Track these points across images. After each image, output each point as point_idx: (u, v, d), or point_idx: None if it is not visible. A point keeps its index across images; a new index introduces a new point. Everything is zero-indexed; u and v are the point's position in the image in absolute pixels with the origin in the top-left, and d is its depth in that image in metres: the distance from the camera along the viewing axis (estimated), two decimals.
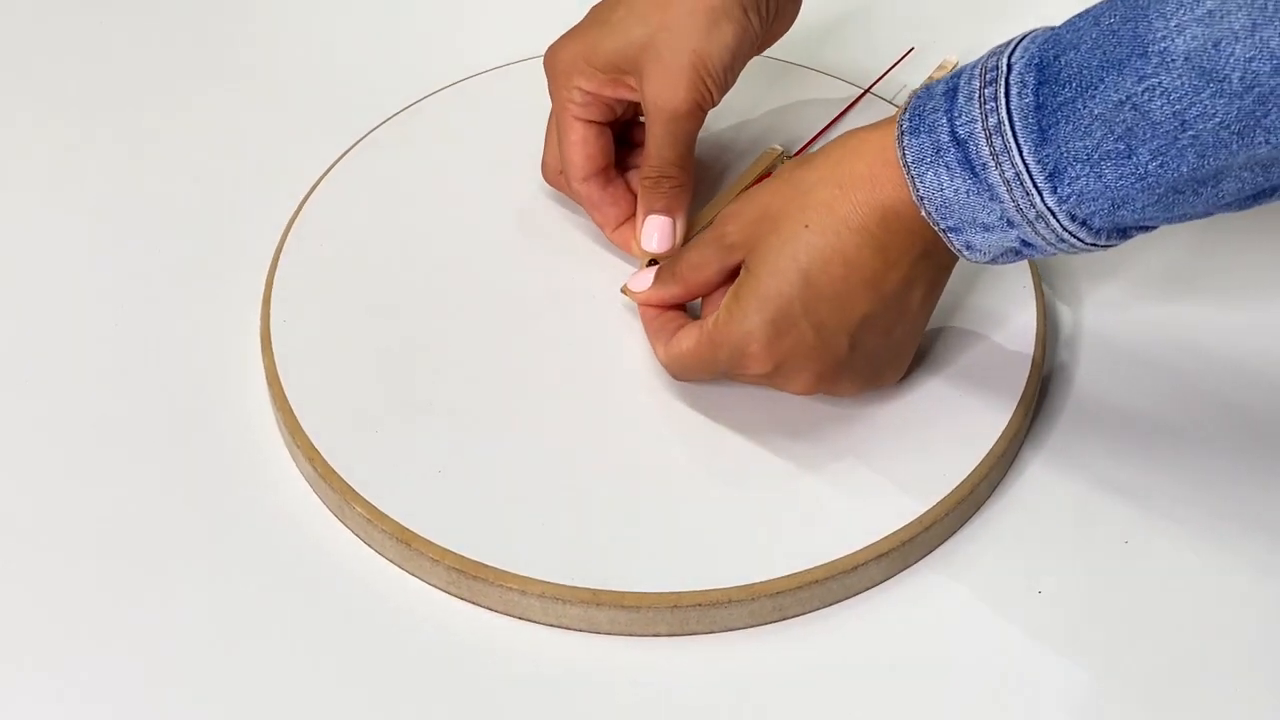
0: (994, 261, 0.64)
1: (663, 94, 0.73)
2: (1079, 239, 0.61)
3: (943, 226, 0.63)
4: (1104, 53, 0.57)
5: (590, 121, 0.76)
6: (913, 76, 0.87)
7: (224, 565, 0.70)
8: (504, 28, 0.94)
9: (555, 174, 0.79)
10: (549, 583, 0.66)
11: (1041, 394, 0.75)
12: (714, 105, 0.74)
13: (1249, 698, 0.65)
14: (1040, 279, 0.77)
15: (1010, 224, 0.62)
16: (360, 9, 0.98)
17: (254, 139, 0.89)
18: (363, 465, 0.70)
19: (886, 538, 0.68)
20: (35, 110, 0.91)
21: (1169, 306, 0.79)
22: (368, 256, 0.79)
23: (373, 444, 0.71)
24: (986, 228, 0.62)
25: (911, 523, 0.68)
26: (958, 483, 0.69)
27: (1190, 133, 0.56)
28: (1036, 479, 0.72)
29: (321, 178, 0.83)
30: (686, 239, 0.76)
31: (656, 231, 0.75)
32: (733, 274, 0.69)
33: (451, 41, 0.94)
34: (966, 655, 0.67)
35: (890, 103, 0.86)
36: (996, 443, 0.71)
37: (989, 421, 0.71)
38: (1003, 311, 0.76)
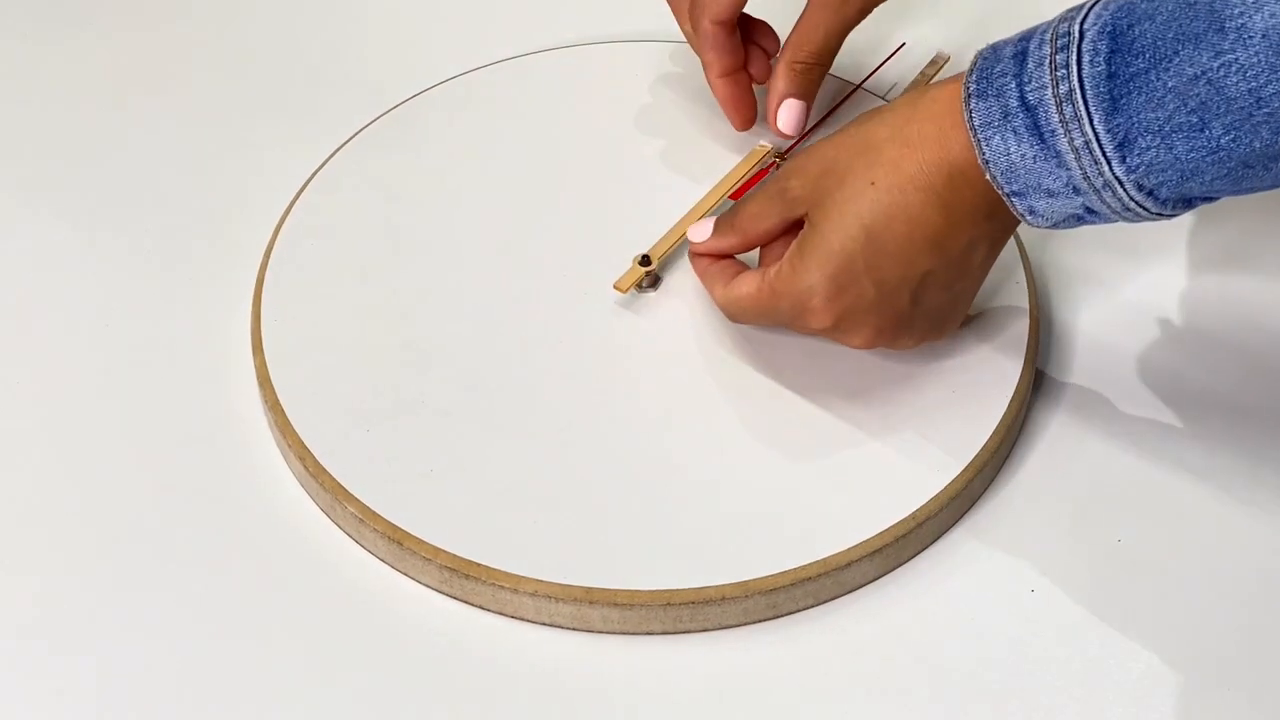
0: (1055, 227, 0.65)
1: None
2: (1145, 208, 0.62)
3: (1007, 191, 0.64)
4: (1180, 25, 0.57)
5: None
6: (905, 72, 0.87)
7: (214, 565, 0.69)
8: (494, 26, 0.94)
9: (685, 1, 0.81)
10: (541, 581, 0.66)
11: (1035, 391, 0.75)
12: (881, 2, 0.77)
13: (1243, 695, 0.65)
14: (1033, 277, 0.77)
15: (1076, 191, 0.62)
16: (348, 6, 0.97)
17: (243, 137, 0.88)
18: (354, 464, 0.70)
19: (880, 534, 0.67)
20: (22, 108, 0.91)
21: (1162, 305, 0.79)
22: (359, 255, 0.79)
23: (364, 443, 0.71)
24: (1051, 193, 0.63)
25: (905, 519, 0.68)
26: (951, 479, 0.69)
27: (1266, 110, 0.56)
28: (1030, 476, 0.72)
29: (312, 176, 0.82)
30: (673, 241, 0.77)
31: (793, 114, 0.79)
32: (792, 226, 0.70)
33: (441, 39, 0.94)
34: (959, 653, 0.66)
35: (881, 98, 0.86)
36: (989, 439, 0.70)
37: (982, 419, 0.71)
38: (996, 310, 0.76)
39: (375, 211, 0.81)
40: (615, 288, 0.76)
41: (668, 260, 0.77)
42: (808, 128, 0.82)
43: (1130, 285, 0.80)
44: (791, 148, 0.82)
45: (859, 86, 0.85)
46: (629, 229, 0.78)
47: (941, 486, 0.69)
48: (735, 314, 0.73)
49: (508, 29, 0.93)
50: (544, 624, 0.67)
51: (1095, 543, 0.70)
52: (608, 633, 0.67)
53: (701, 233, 0.74)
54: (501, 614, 0.67)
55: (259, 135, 0.88)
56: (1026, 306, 0.76)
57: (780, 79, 0.79)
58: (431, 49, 0.93)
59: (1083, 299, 0.79)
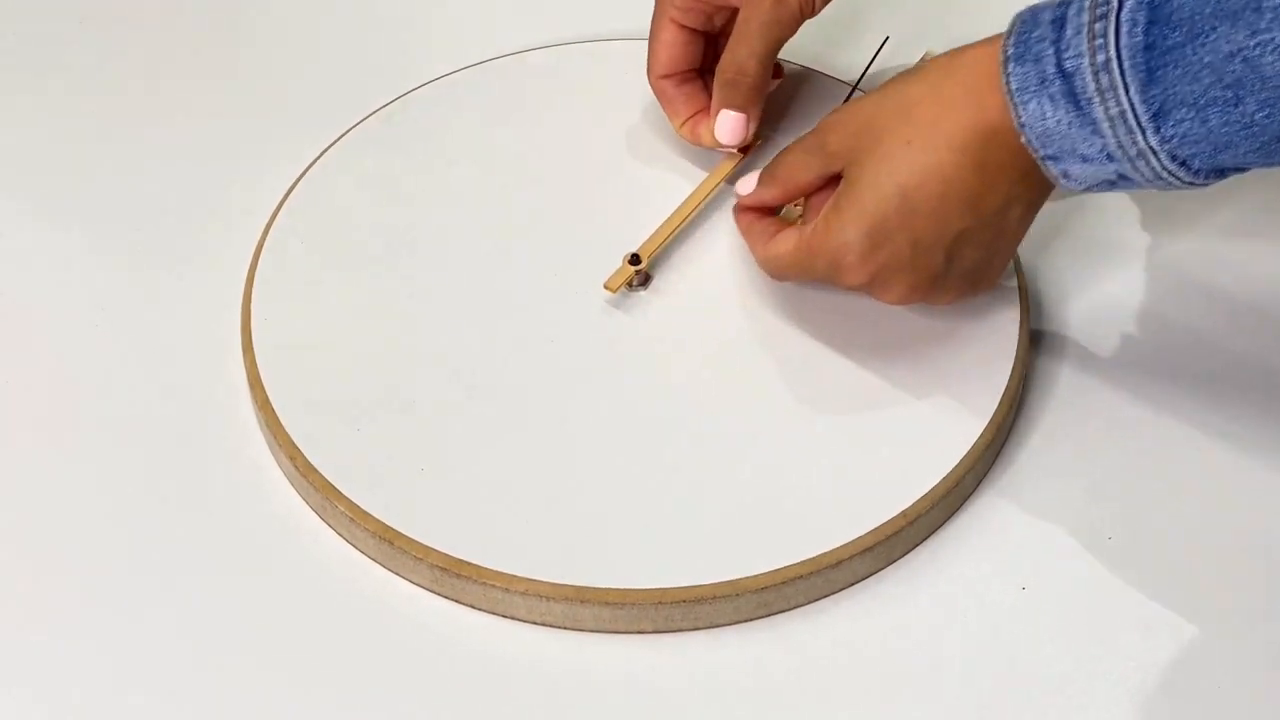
0: (1089, 190, 0.65)
1: None
2: (1177, 177, 0.62)
3: (1042, 154, 0.64)
4: (1217, 1, 0.58)
5: (684, 26, 0.78)
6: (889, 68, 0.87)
7: (205, 564, 0.69)
8: (488, 23, 0.94)
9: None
10: (533, 580, 0.66)
11: (1025, 387, 0.75)
12: (813, 16, 0.76)
13: (1235, 692, 0.65)
14: (1024, 278, 0.77)
15: (1110, 158, 0.63)
16: (338, 5, 0.97)
17: (233, 135, 0.88)
18: (345, 463, 0.70)
19: (871, 532, 0.67)
20: (13, 109, 0.91)
21: (1154, 302, 0.79)
22: (350, 254, 0.79)
23: (355, 442, 0.71)
24: (1086, 159, 0.63)
25: (896, 517, 0.68)
26: (942, 476, 0.69)
27: None
28: (1021, 473, 0.72)
29: (302, 175, 0.82)
30: (663, 240, 0.77)
31: (729, 124, 0.78)
32: (831, 180, 0.71)
33: (431, 37, 0.94)
34: (951, 650, 0.67)
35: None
36: (980, 436, 0.70)
37: (973, 415, 0.71)
38: (988, 309, 0.76)
39: (365, 210, 0.81)
40: (605, 287, 0.76)
41: (657, 259, 0.77)
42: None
43: (1122, 284, 0.80)
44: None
45: (855, 88, 0.85)
46: (619, 228, 0.78)
47: (933, 484, 0.69)
48: (774, 271, 0.74)
49: (499, 27, 0.93)
50: (536, 623, 0.67)
51: (1086, 540, 0.70)
52: (599, 632, 0.67)
53: (747, 185, 0.75)
54: (493, 613, 0.67)
55: (249, 134, 0.88)
56: (1017, 305, 0.76)
57: (714, 93, 0.79)
58: (422, 47, 0.92)
59: (1074, 298, 0.79)
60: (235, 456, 0.73)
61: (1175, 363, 0.76)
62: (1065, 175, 0.65)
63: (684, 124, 0.80)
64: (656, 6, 0.79)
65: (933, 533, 0.70)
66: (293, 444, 0.70)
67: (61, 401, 0.76)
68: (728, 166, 0.81)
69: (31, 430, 0.75)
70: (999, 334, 0.75)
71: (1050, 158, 0.64)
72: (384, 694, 0.65)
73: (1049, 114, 0.63)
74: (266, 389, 0.72)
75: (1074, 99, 0.62)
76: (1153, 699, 0.65)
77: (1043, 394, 0.75)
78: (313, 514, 0.71)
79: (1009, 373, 0.73)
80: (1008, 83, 0.64)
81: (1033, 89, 0.63)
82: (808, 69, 0.87)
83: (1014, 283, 0.76)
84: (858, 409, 0.72)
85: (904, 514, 0.68)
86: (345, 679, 0.66)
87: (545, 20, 0.93)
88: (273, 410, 0.72)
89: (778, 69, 0.82)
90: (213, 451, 0.73)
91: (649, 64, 0.80)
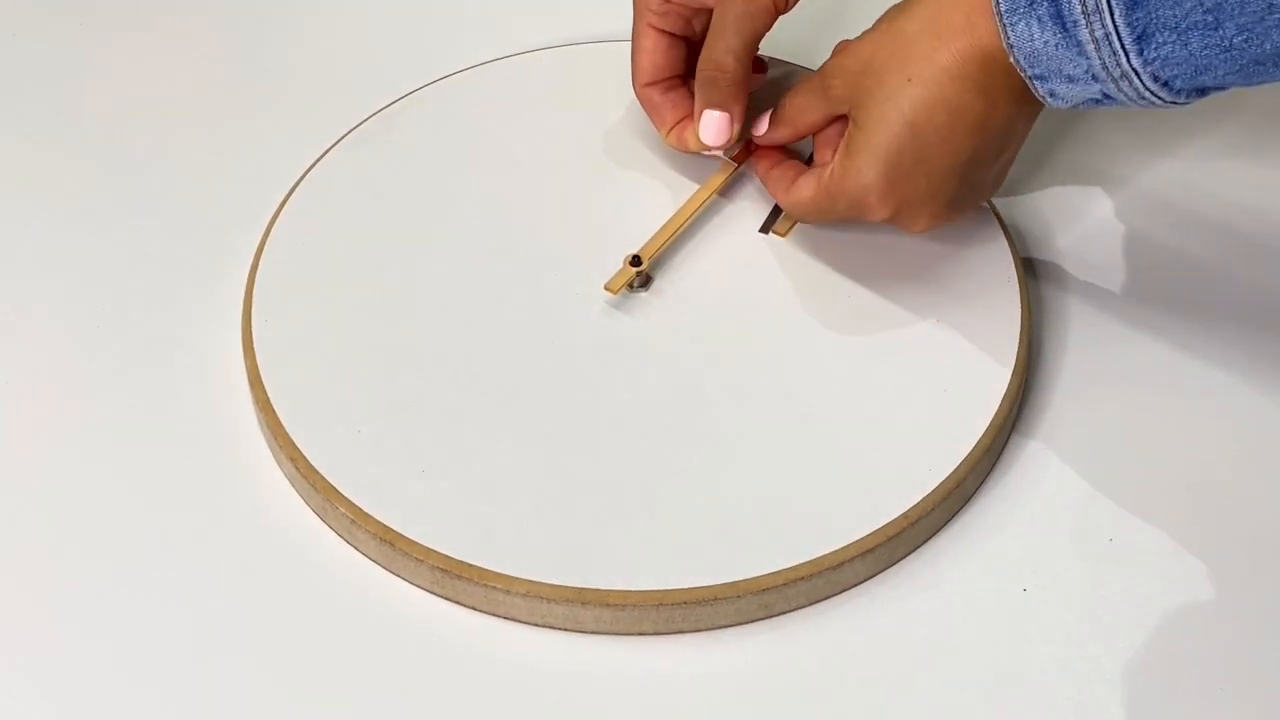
0: (1075, 108, 0.68)
1: None
2: (1159, 97, 0.64)
3: (1029, 74, 0.66)
4: None
5: (663, 31, 0.78)
6: None
7: (206, 566, 0.69)
8: (483, 26, 0.94)
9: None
10: (533, 582, 0.66)
11: (1026, 389, 0.75)
12: (787, 10, 0.76)
13: (1237, 694, 0.65)
14: (1025, 276, 0.77)
15: (1095, 78, 0.65)
16: (338, 7, 0.97)
17: (234, 137, 0.88)
18: (346, 465, 0.70)
19: (872, 534, 0.67)
20: (13, 109, 0.91)
21: (1156, 302, 0.79)
22: (350, 255, 0.79)
23: (356, 444, 0.71)
24: (1071, 79, 0.65)
25: (898, 518, 0.68)
26: (943, 478, 0.69)
27: (1277, 15, 0.59)
28: (1023, 474, 0.72)
29: (303, 176, 0.82)
30: (663, 241, 0.77)
31: (713, 125, 0.77)
32: (836, 120, 0.74)
33: (430, 40, 0.94)
34: (952, 651, 0.66)
35: None
36: (982, 438, 0.70)
37: (974, 417, 0.71)
38: (988, 306, 0.76)
39: (366, 212, 0.81)
40: (606, 288, 0.76)
41: (658, 261, 0.77)
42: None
43: (1123, 285, 0.80)
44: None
45: None
46: (619, 229, 0.78)
47: (934, 485, 0.69)
48: (799, 216, 0.77)
49: (497, 29, 0.93)
50: (536, 625, 0.67)
51: (1087, 541, 0.70)
52: (600, 633, 0.67)
53: (760, 127, 0.77)
54: (494, 615, 0.67)
55: (250, 134, 0.88)
56: (1019, 306, 0.76)
57: (695, 94, 0.78)
58: (421, 50, 0.92)
59: (1075, 297, 0.79)
60: (235, 457, 0.73)
61: (1179, 364, 0.76)
62: (1051, 94, 0.67)
63: (670, 131, 0.80)
64: (635, 14, 0.79)
65: (934, 534, 0.70)
66: (293, 445, 0.70)
67: (62, 402, 0.75)
68: (729, 169, 0.80)
69: (32, 431, 0.74)
70: (1000, 335, 0.75)
71: (1037, 77, 0.66)
72: (385, 696, 0.65)
73: (1036, 35, 0.65)
74: (266, 389, 0.72)
75: (1060, 21, 0.64)
76: (1152, 699, 0.65)
77: (1045, 394, 0.75)
78: (313, 516, 0.71)
79: (1010, 374, 0.73)
80: (997, 5, 0.65)
81: (1021, 10, 0.65)
82: (796, 66, 0.87)
83: (1015, 285, 0.76)
84: (859, 410, 0.72)
85: (905, 515, 0.68)
86: (346, 681, 0.66)
87: (546, 21, 0.93)
88: (273, 411, 0.72)
89: (760, 65, 0.82)
90: (213, 453, 0.73)
91: (633, 73, 0.80)
